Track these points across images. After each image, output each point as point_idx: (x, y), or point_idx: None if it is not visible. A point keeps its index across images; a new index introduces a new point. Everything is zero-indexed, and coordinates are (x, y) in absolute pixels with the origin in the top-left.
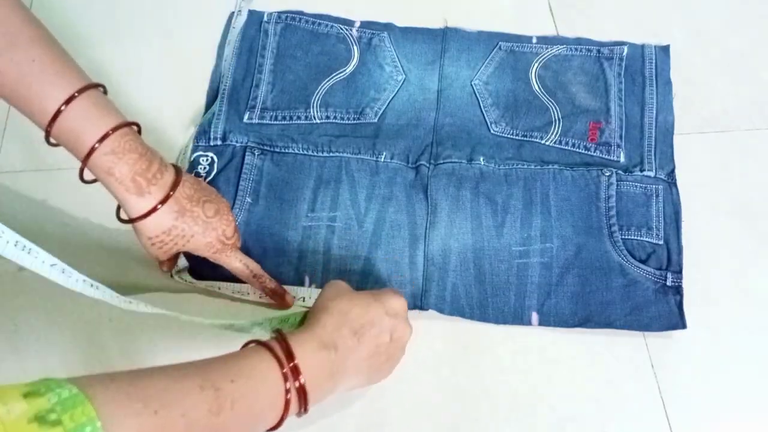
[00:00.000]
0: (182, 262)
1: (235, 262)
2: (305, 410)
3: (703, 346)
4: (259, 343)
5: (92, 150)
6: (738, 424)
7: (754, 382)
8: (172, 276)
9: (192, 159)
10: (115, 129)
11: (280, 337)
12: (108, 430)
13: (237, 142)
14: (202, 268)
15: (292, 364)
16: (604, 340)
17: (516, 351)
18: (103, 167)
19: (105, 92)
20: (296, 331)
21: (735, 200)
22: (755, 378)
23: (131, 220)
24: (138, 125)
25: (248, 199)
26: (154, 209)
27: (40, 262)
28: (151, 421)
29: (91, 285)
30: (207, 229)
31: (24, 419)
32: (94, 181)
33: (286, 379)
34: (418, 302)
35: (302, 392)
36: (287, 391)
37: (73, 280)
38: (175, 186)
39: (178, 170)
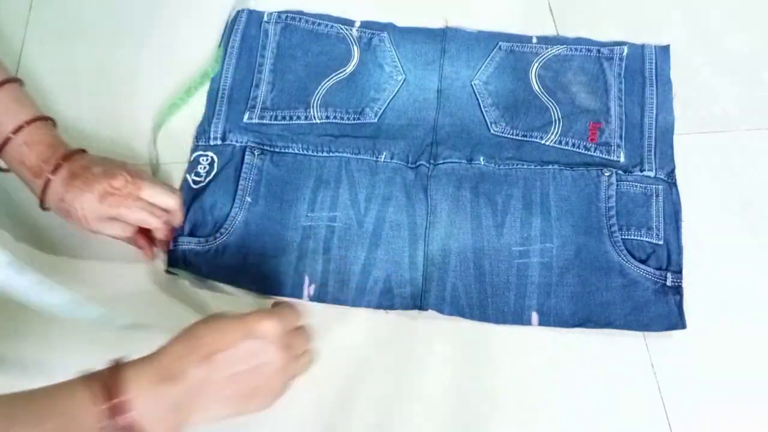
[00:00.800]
0: (159, 263)
1: (138, 212)
2: None
3: (703, 346)
4: (85, 376)
5: (6, 140)
6: (738, 423)
7: (754, 383)
8: (167, 272)
9: (192, 159)
10: (29, 122)
11: (114, 368)
12: None
13: (237, 141)
14: (200, 267)
15: (113, 402)
16: (604, 340)
17: (516, 351)
18: (16, 157)
19: (22, 86)
20: (139, 359)
21: (735, 200)
22: (755, 378)
23: (41, 203)
24: (53, 120)
25: (248, 199)
26: (48, 182)
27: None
28: None
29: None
30: (92, 183)
31: None
32: (8, 170)
33: (105, 417)
34: (417, 302)
35: (130, 430)
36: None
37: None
38: (66, 158)
39: (83, 152)
